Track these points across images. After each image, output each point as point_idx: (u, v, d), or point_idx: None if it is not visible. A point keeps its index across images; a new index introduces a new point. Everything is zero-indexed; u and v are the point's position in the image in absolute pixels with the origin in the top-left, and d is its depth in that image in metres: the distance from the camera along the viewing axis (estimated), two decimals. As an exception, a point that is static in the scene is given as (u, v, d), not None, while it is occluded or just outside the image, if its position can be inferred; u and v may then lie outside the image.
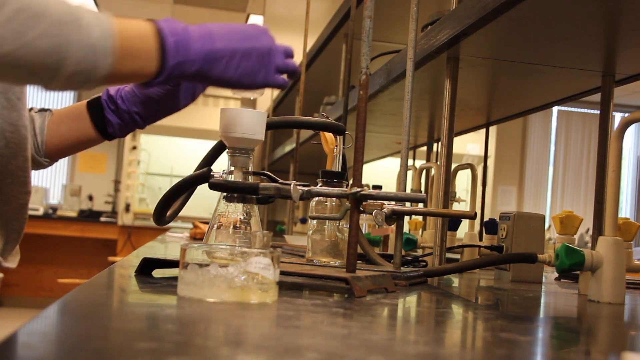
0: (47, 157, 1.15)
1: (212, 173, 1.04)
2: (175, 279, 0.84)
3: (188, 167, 1.88)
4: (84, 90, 0.83)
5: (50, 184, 7.15)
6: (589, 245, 3.48)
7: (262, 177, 1.15)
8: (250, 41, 0.94)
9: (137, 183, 6.49)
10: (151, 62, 0.85)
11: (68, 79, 0.79)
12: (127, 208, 6.35)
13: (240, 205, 1.08)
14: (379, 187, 2.04)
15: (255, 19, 6.36)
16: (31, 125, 1.12)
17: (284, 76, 1.00)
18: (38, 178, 7.03)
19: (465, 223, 1.86)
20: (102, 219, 6.44)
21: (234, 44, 0.92)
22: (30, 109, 1.16)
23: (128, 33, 0.83)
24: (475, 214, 1.26)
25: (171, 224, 4.98)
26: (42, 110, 1.17)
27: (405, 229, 2.02)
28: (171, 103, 1.10)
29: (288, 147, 3.56)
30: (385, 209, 1.17)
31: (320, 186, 1.20)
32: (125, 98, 1.10)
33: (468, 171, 1.93)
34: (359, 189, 1.02)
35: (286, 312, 0.73)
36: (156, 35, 0.85)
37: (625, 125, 1.05)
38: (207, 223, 1.26)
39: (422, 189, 2.37)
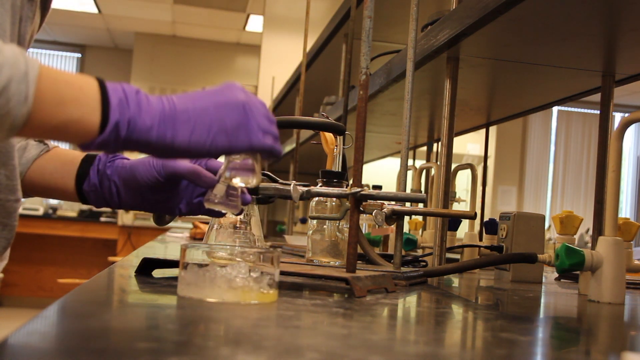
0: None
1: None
2: (175, 279, 0.84)
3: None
4: (6, 139, 0.70)
5: (50, 184, 7.14)
6: (589, 245, 3.48)
7: (262, 177, 1.15)
8: (220, 94, 0.77)
9: (137, 183, 6.49)
10: (90, 112, 0.69)
11: None
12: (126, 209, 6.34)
13: (240, 206, 1.08)
14: (379, 187, 2.04)
15: (255, 19, 6.37)
16: (22, 152, 1.08)
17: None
18: (38, 178, 7.02)
19: (465, 223, 1.86)
20: (102, 219, 6.44)
21: (199, 100, 0.76)
22: None
23: (57, 77, 0.69)
24: (475, 214, 1.26)
25: (171, 224, 4.98)
26: (41, 141, 1.10)
27: (405, 229, 2.02)
28: (158, 198, 1.00)
29: (288, 147, 3.56)
30: (385, 209, 1.17)
31: (320, 186, 1.20)
32: (114, 166, 1.02)
33: (468, 171, 1.93)
34: (359, 189, 1.02)
35: (286, 312, 0.73)
36: (97, 84, 0.71)
37: (625, 125, 1.05)
38: (207, 223, 1.26)
39: (422, 189, 2.37)
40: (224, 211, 0.91)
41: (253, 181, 0.84)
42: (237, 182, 0.85)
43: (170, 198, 1.00)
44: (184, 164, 0.96)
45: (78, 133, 0.70)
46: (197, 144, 0.74)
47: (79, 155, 1.07)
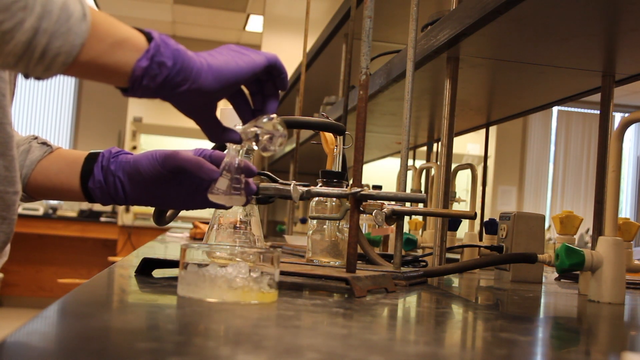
0: (25, 191, 1.09)
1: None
2: (175, 279, 0.84)
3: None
4: (60, 71, 0.70)
5: (50, 184, 7.14)
6: (589, 245, 3.48)
7: (262, 177, 1.15)
8: (221, 47, 0.86)
9: (137, 183, 6.49)
10: (135, 33, 0.74)
11: (41, 55, 0.66)
12: (127, 208, 6.35)
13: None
14: (379, 187, 2.04)
15: (255, 19, 6.37)
16: (25, 154, 1.08)
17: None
18: (38, 178, 7.02)
19: (465, 223, 1.86)
20: (102, 219, 6.44)
21: (218, 50, 0.84)
22: (35, 138, 1.11)
23: (108, 17, 0.74)
24: (475, 214, 1.26)
25: (171, 224, 4.98)
26: (44, 143, 1.10)
27: (405, 229, 2.02)
28: (163, 192, 1.00)
29: (288, 147, 3.56)
30: (385, 209, 1.17)
31: (320, 186, 1.20)
32: (118, 161, 1.02)
33: (468, 171, 1.93)
34: (359, 189, 1.02)
35: (286, 312, 0.73)
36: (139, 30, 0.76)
37: (625, 125, 1.05)
38: (207, 223, 1.26)
39: (422, 189, 2.37)
40: (228, 205, 0.90)
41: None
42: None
43: (175, 192, 1.00)
44: (187, 155, 0.96)
45: (130, 50, 0.72)
46: (228, 62, 0.80)
47: (83, 154, 1.07)
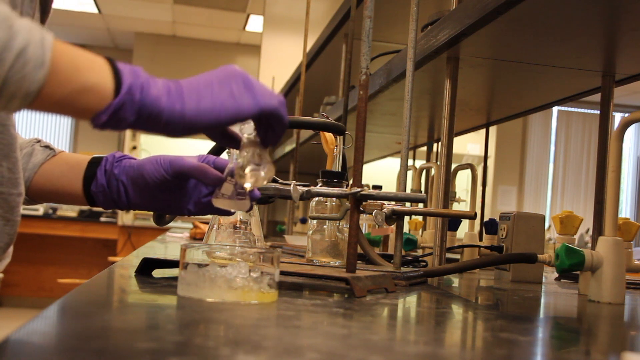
0: (27, 195, 1.09)
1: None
2: (175, 279, 0.84)
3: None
4: (19, 109, 0.68)
5: (50, 184, 7.14)
6: (589, 245, 3.48)
7: (262, 177, 1.14)
8: (220, 70, 0.79)
9: (137, 183, 6.49)
10: (104, 78, 0.70)
11: None
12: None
13: (240, 205, 1.07)
14: (379, 187, 2.04)
15: (255, 19, 6.37)
16: (28, 157, 1.08)
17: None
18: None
19: (465, 223, 1.86)
20: (102, 219, 6.44)
21: (201, 77, 0.77)
22: (39, 141, 1.11)
23: (70, 48, 0.70)
24: (475, 214, 1.26)
25: (171, 224, 4.98)
26: (47, 147, 1.10)
27: (405, 229, 2.02)
28: (167, 197, 0.99)
29: (288, 147, 3.56)
30: (385, 209, 1.17)
31: (320, 186, 1.20)
32: (122, 166, 1.02)
33: (468, 171, 1.93)
34: (359, 189, 1.02)
35: (286, 312, 0.73)
36: (103, 58, 0.72)
37: (625, 125, 1.05)
38: (207, 223, 1.26)
39: (422, 189, 2.37)
40: (233, 210, 0.90)
41: (262, 175, 0.82)
42: (247, 179, 0.83)
43: (178, 197, 1.00)
44: (191, 161, 0.96)
45: (93, 99, 0.69)
46: (206, 111, 0.74)
47: (86, 158, 1.07)
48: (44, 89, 0.67)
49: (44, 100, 0.68)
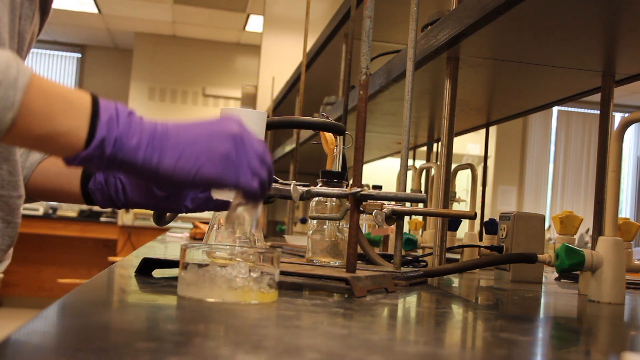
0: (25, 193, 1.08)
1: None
2: (175, 279, 0.84)
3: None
4: None
5: (50, 184, 7.14)
6: (589, 245, 3.48)
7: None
8: (215, 124, 0.75)
9: (137, 183, 6.49)
10: (78, 126, 0.68)
11: None
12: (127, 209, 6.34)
13: (240, 205, 1.07)
14: (379, 187, 2.04)
15: (255, 19, 6.37)
16: (25, 156, 1.08)
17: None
18: (38, 178, 7.02)
19: (465, 223, 1.86)
20: (102, 219, 6.44)
21: (192, 128, 0.73)
22: None
23: (50, 89, 0.68)
24: (475, 214, 1.26)
25: (171, 224, 4.98)
26: None
27: (405, 229, 2.02)
28: (164, 195, 0.98)
29: (288, 147, 3.56)
30: (385, 209, 1.17)
31: (320, 186, 1.20)
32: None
33: (468, 171, 1.93)
34: (359, 189, 1.02)
35: (286, 312, 0.73)
36: (90, 100, 0.70)
37: (625, 125, 1.05)
38: (207, 223, 1.26)
39: (422, 189, 2.37)
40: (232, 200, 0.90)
41: (247, 228, 0.82)
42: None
43: (176, 194, 1.00)
44: None
45: (62, 146, 0.69)
46: (182, 171, 0.72)
47: None
48: (13, 129, 0.66)
49: (13, 138, 0.67)
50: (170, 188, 0.75)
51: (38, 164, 1.08)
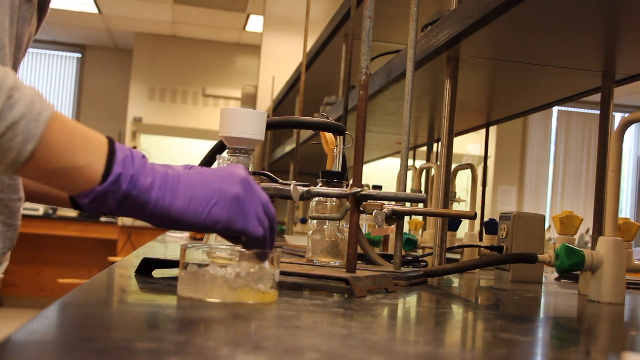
0: None
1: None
2: (175, 279, 0.84)
3: (188, 167, 1.87)
4: (6, 174, 0.69)
5: (50, 184, 7.14)
6: (589, 245, 3.48)
7: (262, 177, 1.15)
8: (224, 170, 0.79)
9: (137, 183, 6.49)
10: (95, 162, 0.70)
11: None
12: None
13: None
14: (379, 187, 2.04)
15: (255, 19, 6.37)
16: None
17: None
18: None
19: (465, 223, 1.86)
20: (102, 219, 6.44)
21: (203, 173, 0.77)
22: None
23: (70, 126, 0.71)
24: (475, 214, 1.26)
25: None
26: None
27: (405, 229, 2.02)
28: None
29: (288, 147, 3.56)
30: (385, 209, 1.17)
31: (320, 186, 1.20)
32: None
33: (468, 171, 1.93)
34: (359, 189, 1.02)
35: (286, 312, 0.73)
36: (106, 139, 0.73)
37: (625, 125, 1.05)
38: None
39: (422, 189, 2.37)
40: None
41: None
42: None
43: None
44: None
45: (79, 180, 0.70)
46: (194, 213, 0.74)
47: None
48: (32, 161, 0.68)
49: (31, 170, 0.69)
50: (178, 229, 0.76)
51: None
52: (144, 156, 0.74)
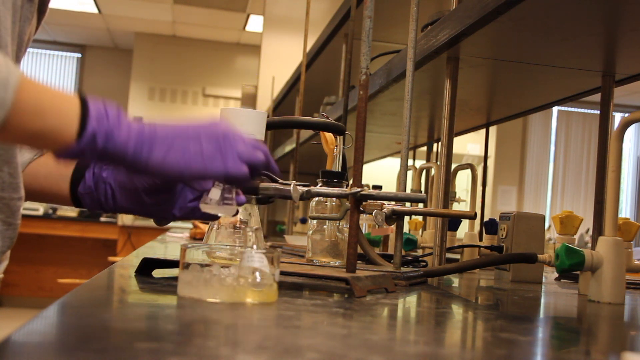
0: None
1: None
2: (175, 279, 0.84)
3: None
4: None
5: (50, 184, 7.14)
6: (589, 245, 3.48)
7: (262, 177, 1.15)
8: (202, 123, 0.79)
9: (137, 183, 6.49)
10: (69, 122, 0.70)
11: None
12: (123, 211, 6.33)
13: (240, 205, 1.07)
14: (379, 187, 2.04)
15: (255, 19, 6.37)
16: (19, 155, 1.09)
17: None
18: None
19: (465, 223, 1.86)
20: (102, 219, 6.44)
21: (179, 126, 0.78)
22: None
23: (39, 88, 0.70)
24: (475, 214, 1.26)
25: (171, 224, 4.97)
26: None
27: (405, 229, 2.02)
28: (154, 202, 0.99)
29: (288, 147, 3.56)
30: (385, 209, 1.17)
31: (320, 186, 1.20)
32: (109, 168, 1.02)
33: (468, 171, 1.93)
34: (359, 189, 1.02)
35: (286, 312, 0.73)
36: (78, 98, 0.73)
37: (625, 125, 1.05)
38: (207, 223, 1.25)
39: (422, 189, 2.37)
40: (220, 214, 0.91)
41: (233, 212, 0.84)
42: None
43: (165, 202, 1.00)
44: None
45: (54, 141, 0.71)
46: (171, 164, 0.76)
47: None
48: (5, 127, 0.68)
49: (6, 135, 0.69)
50: (162, 181, 0.77)
51: (27, 165, 1.08)
52: (118, 109, 0.74)
